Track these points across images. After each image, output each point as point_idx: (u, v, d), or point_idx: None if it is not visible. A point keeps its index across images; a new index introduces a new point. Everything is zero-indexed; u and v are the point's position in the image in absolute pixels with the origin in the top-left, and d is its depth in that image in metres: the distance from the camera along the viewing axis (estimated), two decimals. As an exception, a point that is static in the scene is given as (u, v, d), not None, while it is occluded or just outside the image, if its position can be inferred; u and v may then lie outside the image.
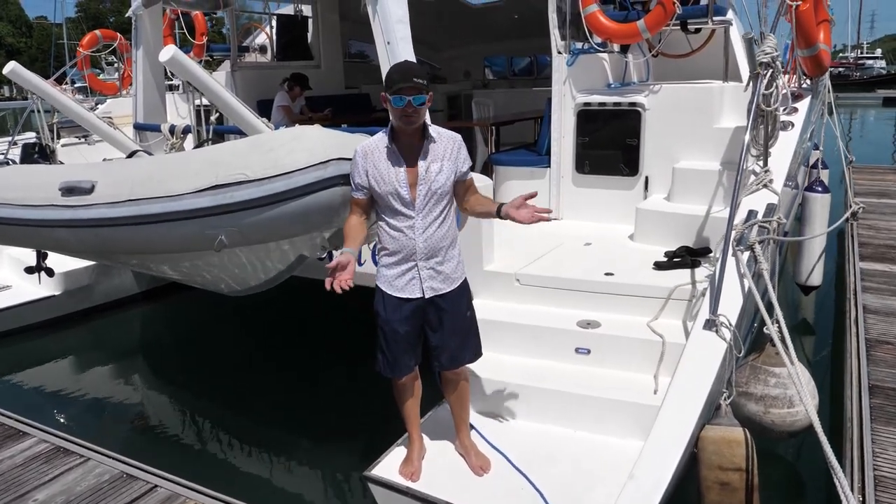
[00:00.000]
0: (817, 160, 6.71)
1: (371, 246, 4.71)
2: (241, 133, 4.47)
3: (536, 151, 6.05)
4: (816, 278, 5.95)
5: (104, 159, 5.97)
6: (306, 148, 3.29)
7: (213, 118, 4.54)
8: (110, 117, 6.79)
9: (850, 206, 7.24)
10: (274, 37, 9.41)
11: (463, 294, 3.25)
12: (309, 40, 9.30)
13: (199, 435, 4.57)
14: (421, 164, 2.97)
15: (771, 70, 3.87)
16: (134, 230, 3.64)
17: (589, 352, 3.97)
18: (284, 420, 4.67)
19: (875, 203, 8.15)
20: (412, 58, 4.63)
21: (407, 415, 3.41)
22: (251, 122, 4.28)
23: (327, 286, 2.79)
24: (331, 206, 3.22)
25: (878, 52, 66.61)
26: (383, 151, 2.98)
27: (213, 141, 4.86)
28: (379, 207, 3.06)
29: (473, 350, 3.36)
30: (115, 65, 13.62)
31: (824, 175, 6.88)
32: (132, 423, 4.76)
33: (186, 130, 5.65)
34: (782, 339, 3.22)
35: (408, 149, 2.99)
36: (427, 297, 3.11)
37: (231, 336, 6.23)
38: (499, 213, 3.10)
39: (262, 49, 9.89)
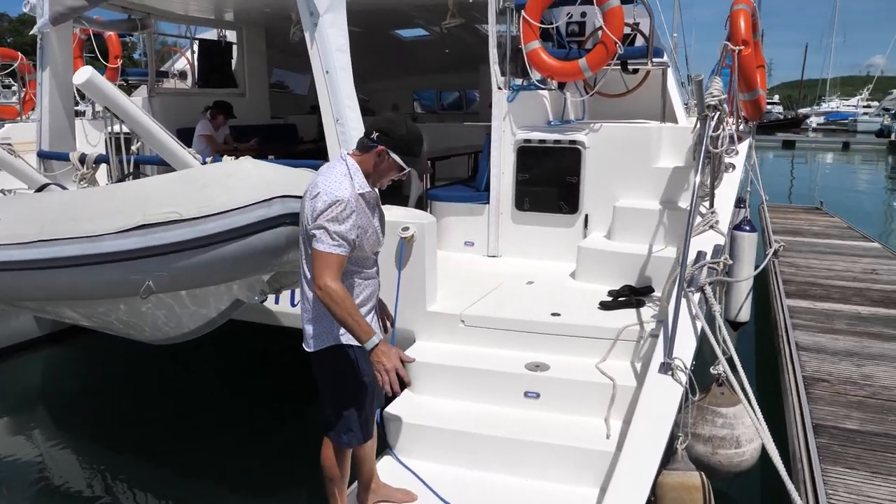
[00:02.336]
0: (741, 199, 6.98)
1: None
2: (164, 164, 4.19)
3: (475, 187, 6.00)
4: (745, 314, 6.12)
5: (1, 191, 5.48)
6: (246, 185, 3.07)
7: (134, 148, 4.22)
8: (10, 143, 6.27)
9: (771, 245, 7.56)
10: (195, 62, 9.07)
11: None
12: (233, 67, 9.01)
13: (109, 498, 4.16)
14: (381, 208, 2.96)
15: (718, 112, 3.97)
16: (44, 275, 3.28)
17: (538, 395, 3.89)
18: (206, 479, 4.32)
19: (792, 241, 8.57)
20: (352, 88, 4.50)
21: (345, 480, 3.17)
22: (177, 154, 3.99)
23: (389, 391, 2.61)
24: (275, 247, 3.02)
25: (776, 97, 71.94)
26: (361, 199, 2.77)
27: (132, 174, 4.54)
28: (350, 260, 2.79)
29: None
30: (13, 87, 12.73)
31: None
32: (31, 486, 4.28)
33: (99, 160, 5.27)
34: (739, 380, 3.23)
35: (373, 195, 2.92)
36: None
37: (147, 384, 5.80)
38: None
39: (182, 75, 9.50)
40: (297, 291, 4.48)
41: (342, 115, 4.41)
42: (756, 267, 5.81)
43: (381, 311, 3.18)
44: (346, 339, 2.83)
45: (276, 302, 4.62)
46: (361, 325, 2.62)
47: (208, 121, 7.34)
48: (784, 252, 7.73)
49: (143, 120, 3.95)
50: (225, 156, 4.47)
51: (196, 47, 9.01)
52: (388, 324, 3.23)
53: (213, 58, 8.89)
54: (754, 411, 3.13)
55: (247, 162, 3.26)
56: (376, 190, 2.96)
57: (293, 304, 4.60)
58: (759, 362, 6.24)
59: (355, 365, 2.88)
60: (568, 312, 4.32)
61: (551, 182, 5.58)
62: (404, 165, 2.77)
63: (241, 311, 3.68)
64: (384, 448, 3.67)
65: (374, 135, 2.74)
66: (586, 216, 5.53)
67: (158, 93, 8.01)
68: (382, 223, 2.98)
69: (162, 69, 9.41)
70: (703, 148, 4.01)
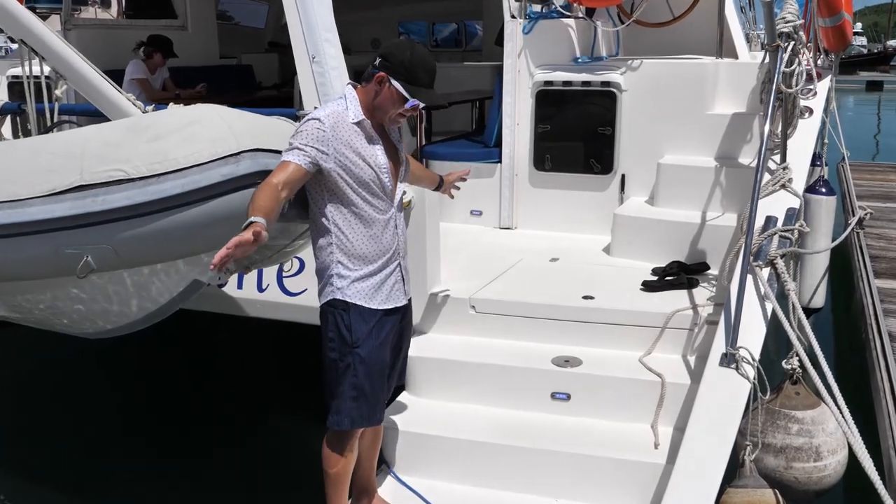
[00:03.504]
0: (817, 155, 7.05)
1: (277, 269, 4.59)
2: (97, 115, 4.24)
3: (482, 142, 6.08)
4: (819, 299, 6.23)
5: None
6: (208, 136, 3.15)
7: (58, 92, 4.27)
8: None
9: (855, 213, 7.65)
10: (122, -14, 9.09)
11: None
12: (171, -8, 9.02)
13: None
14: (396, 147, 3.21)
15: (793, 42, 4.04)
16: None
17: (569, 397, 4.00)
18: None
19: (880, 208, 8.65)
20: (330, 12, 4.54)
21: (347, 477, 3.32)
22: (114, 101, 4.04)
23: (215, 260, 2.57)
24: (244, 213, 3.09)
25: (859, 26, 71.49)
26: (354, 128, 3.00)
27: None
28: (340, 204, 3.01)
29: None
30: None
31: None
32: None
33: (6, 110, 5.31)
34: (822, 376, 3.32)
35: (379, 128, 3.10)
36: (407, 301, 3.36)
37: (75, 391, 5.90)
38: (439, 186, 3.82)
39: (105, 1, 9.52)
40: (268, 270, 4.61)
41: (319, 51, 4.45)
42: (834, 239, 5.92)
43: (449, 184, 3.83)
44: (355, 299, 3.07)
45: (239, 287, 4.69)
46: (255, 210, 2.72)
47: (142, 61, 7.39)
48: (871, 221, 7.80)
49: (68, 55, 3.98)
50: (170, 105, 4.53)
51: (123, -33, 9.02)
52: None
53: (145, -20, 8.91)
54: (842, 414, 3.20)
55: (207, 107, 3.33)
56: (396, 130, 3.22)
57: (260, 290, 4.68)
58: (839, 357, 6.36)
59: (342, 332, 3.08)
60: (603, 295, 4.43)
61: (579, 135, 5.66)
62: (407, 95, 2.96)
63: (197, 297, 3.77)
64: (380, 464, 3.77)
65: (377, 61, 2.97)
66: (623, 177, 5.62)
67: (75, 24, 7.99)
68: (399, 164, 3.21)
69: (78, -6, 9.39)
70: (774, 87, 4.08)
